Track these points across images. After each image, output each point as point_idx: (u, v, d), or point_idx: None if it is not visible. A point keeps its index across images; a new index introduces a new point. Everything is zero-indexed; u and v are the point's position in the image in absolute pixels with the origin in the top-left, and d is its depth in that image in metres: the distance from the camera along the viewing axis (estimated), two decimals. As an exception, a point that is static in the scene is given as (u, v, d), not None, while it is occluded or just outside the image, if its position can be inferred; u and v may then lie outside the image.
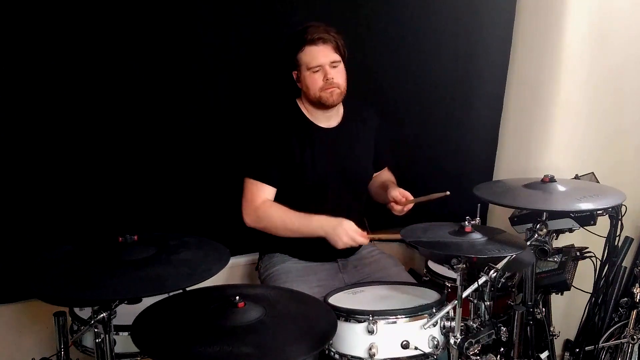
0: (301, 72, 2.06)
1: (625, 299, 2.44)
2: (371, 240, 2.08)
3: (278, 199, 2.09)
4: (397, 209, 2.09)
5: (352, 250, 2.24)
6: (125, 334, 1.61)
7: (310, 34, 2.02)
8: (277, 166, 2.07)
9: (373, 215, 2.29)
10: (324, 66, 2.03)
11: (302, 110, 2.15)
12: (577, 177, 2.33)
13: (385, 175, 2.35)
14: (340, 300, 1.84)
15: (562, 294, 2.27)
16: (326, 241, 2.07)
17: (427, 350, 1.68)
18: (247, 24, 2.25)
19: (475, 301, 1.76)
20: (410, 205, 2.08)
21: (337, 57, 2.05)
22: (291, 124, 2.12)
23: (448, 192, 1.93)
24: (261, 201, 2.05)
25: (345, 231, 1.97)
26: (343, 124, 2.17)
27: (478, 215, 1.89)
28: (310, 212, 2.02)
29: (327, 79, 2.03)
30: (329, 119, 2.15)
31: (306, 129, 2.12)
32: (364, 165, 2.23)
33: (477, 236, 1.69)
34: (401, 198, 2.07)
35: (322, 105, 2.08)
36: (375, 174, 2.33)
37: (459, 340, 1.66)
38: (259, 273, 2.26)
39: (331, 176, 2.12)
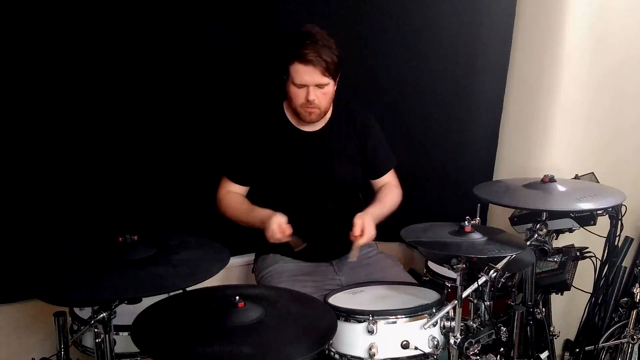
0: (287, 81, 2.04)
1: (625, 299, 2.43)
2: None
3: (262, 198, 2.10)
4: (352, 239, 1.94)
5: (345, 251, 2.24)
6: (125, 334, 1.61)
7: (304, 51, 1.95)
8: (251, 167, 2.09)
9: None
10: (308, 86, 2.00)
11: (286, 113, 2.15)
12: (577, 177, 2.33)
13: (383, 186, 2.27)
14: (340, 300, 1.85)
15: (562, 294, 2.27)
16: (319, 241, 2.07)
17: (427, 350, 1.68)
18: (246, 23, 2.25)
19: (475, 301, 1.76)
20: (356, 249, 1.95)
21: (324, 81, 1.99)
22: (273, 126, 2.12)
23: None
24: (224, 192, 2.12)
25: (273, 224, 1.89)
26: (327, 128, 2.16)
27: (478, 215, 1.89)
28: (291, 213, 1.96)
29: (307, 100, 2.01)
30: (313, 124, 2.14)
31: (288, 131, 2.13)
32: (345, 169, 2.17)
33: (477, 236, 1.69)
34: (357, 231, 1.93)
35: (300, 118, 2.09)
36: (377, 183, 2.28)
37: (459, 340, 1.66)
38: (254, 275, 2.25)
39: (311, 178, 2.11)
